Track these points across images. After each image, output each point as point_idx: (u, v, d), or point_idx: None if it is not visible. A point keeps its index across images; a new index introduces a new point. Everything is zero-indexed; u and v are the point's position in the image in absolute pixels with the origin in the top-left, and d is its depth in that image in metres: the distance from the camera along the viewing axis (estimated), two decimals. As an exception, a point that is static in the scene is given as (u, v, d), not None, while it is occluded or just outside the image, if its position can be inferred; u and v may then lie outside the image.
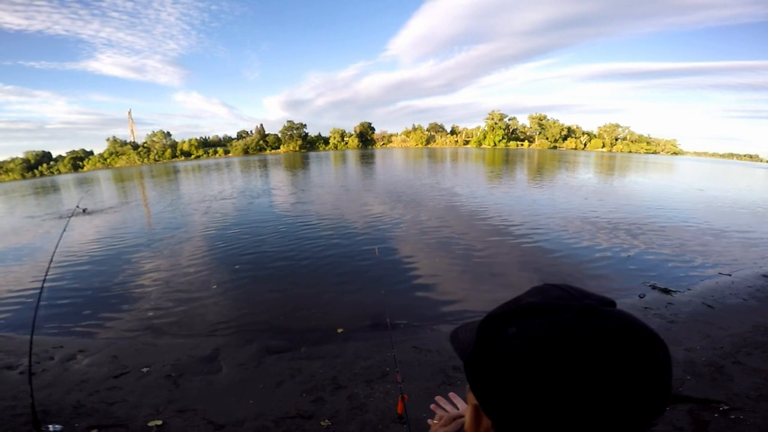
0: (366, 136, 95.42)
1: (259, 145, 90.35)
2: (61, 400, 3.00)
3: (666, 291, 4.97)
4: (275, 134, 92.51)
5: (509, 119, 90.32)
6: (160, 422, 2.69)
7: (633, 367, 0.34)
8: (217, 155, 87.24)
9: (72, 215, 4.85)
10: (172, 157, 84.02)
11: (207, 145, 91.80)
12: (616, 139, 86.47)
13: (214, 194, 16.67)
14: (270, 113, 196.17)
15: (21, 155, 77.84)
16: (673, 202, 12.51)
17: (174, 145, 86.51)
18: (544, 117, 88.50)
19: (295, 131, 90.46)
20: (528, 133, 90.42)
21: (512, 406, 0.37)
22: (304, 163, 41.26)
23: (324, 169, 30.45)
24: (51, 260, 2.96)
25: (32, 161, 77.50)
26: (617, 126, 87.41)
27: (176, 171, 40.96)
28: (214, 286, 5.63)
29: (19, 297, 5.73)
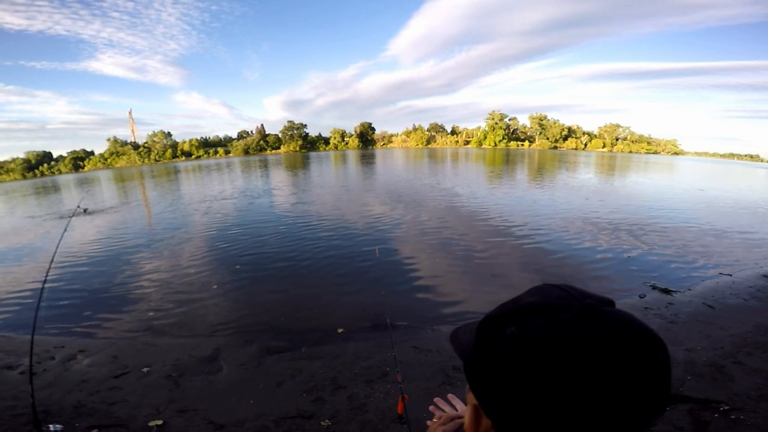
0: (366, 137, 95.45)
1: (259, 145, 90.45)
2: (61, 400, 3.00)
3: (666, 291, 4.97)
4: (276, 134, 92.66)
5: (510, 119, 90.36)
6: (160, 422, 2.69)
7: (633, 366, 0.34)
8: (218, 155, 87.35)
9: (73, 215, 4.84)
10: (173, 158, 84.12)
11: (207, 145, 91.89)
12: (617, 140, 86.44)
13: (215, 194, 16.68)
14: (270, 113, 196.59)
15: (22, 155, 78.15)
16: (674, 203, 12.49)
17: (174, 146, 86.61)
18: (545, 117, 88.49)
19: (295, 131, 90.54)
20: (528, 134, 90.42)
21: (512, 405, 0.37)
22: (305, 163, 41.28)
23: (324, 170, 30.46)
24: (52, 260, 2.97)
25: (33, 161, 77.64)
26: (618, 126, 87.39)
27: (177, 171, 40.99)
28: (215, 287, 5.63)
29: (20, 297, 5.73)
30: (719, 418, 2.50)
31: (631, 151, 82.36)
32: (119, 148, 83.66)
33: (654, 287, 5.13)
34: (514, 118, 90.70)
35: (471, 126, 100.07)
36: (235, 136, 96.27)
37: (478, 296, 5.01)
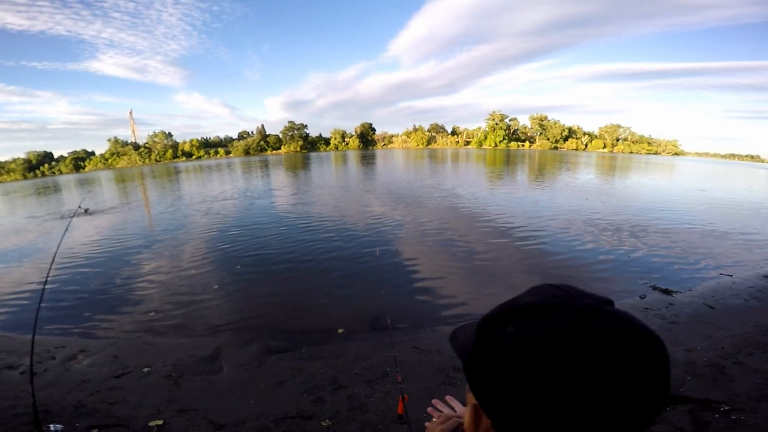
0: (367, 137, 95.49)
1: (260, 145, 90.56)
2: (62, 400, 3.00)
3: (667, 292, 4.96)
4: (276, 135, 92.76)
5: (510, 120, 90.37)
6: (160, 422, 2.69)
7: (632, 365, 0.34)
8: (218, 156, 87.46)
9: (74, 215, 4.85)
10: (174, 158, 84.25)
11: (208, 145, 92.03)
12: (618, 140, 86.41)
13: (215, 195, 16.69)
14: (271, 114, 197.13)
15: (23, 155, 78.42)
16: (675, 204, 12.48)
17: (175, 146, 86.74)
18: (545, 117, 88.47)
19: (296, 132, 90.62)
20: (529, 134, 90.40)
21: (511, 405, 0.38)
22: (305, 163, 41.30)
23: (325, 170, 30.46)
24: (53, 260, 2.97)
25: (34, 161, 77.80)
26: (618, 126, 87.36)
27: (177, 171, 41.04)
28: (215, 287, 5.64)
29: (20, 297, 5.74)
30: (720, 419, 2.50)
31: (631, 152, 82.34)
32: (120, 148, 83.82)
33: (655, 288, 5.13)
34: (515, 119, 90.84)
35: (471, 126, 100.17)
36: (235, 136, 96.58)
37: (479, 297, 5.01)
